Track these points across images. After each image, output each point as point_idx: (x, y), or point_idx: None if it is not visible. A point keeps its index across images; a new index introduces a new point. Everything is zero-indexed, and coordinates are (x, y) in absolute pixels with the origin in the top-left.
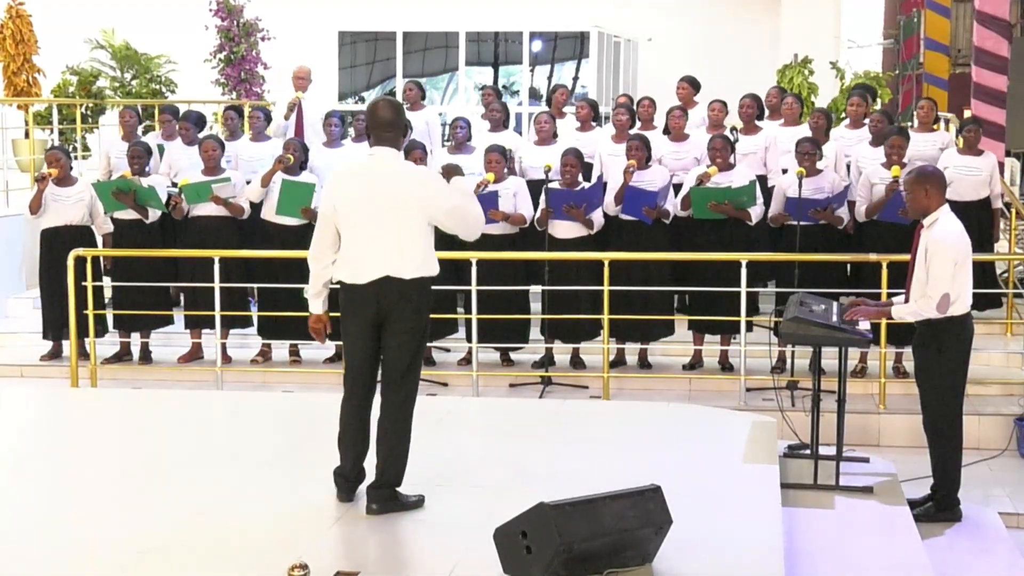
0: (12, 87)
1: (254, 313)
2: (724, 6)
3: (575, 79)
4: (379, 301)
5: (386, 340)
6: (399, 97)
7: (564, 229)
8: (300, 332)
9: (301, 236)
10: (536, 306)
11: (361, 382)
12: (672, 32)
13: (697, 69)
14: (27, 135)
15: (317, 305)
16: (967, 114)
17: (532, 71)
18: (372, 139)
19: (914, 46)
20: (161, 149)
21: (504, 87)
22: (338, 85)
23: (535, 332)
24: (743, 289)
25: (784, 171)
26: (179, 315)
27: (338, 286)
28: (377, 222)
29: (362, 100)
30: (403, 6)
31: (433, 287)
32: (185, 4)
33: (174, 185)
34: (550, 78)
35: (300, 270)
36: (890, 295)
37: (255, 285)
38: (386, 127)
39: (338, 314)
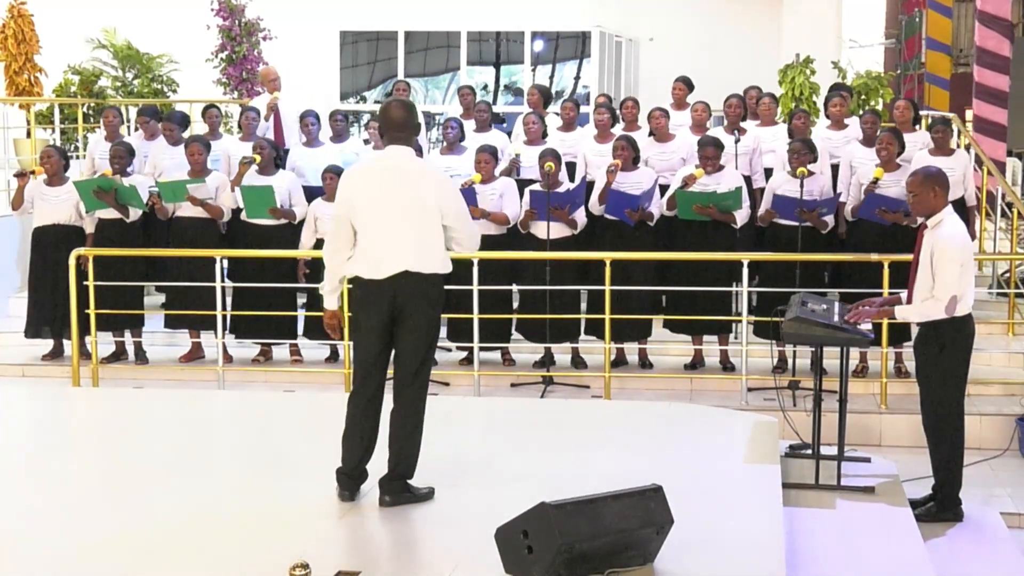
0: (14, 86)
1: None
2: (725, 6)
3: (576, 79)
4: (396, 296)
5: (401, 335)
6: (392, 96)
7: (547, 229)
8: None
9: (279, 235)
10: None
11: (372, 378)
12: (674, 32)
13: (698, 69)
14: (29, 135)
15: (332, 301)
16: (968, 115)
17: (534, 71)
18: (386, 139)
19: (916, 46)
20: (134, 152)
21: (506, 87)
22: (340, 85)
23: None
24: (746, 289)
25: (768, 171)
26: (160, 315)
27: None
28: (396, 218)
29: (363, 100)
30: (404, 6)
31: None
32: (187, 4)
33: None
34: (552, 78)
35: (282, 268)
36: (891, 294)
37: (241, 284)
38: (399, 127)
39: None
